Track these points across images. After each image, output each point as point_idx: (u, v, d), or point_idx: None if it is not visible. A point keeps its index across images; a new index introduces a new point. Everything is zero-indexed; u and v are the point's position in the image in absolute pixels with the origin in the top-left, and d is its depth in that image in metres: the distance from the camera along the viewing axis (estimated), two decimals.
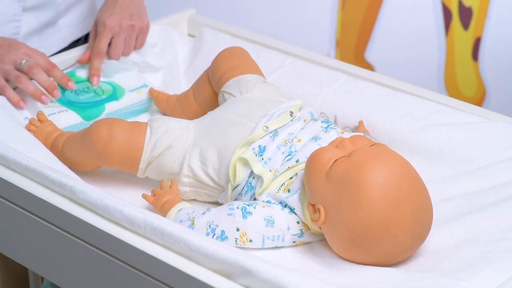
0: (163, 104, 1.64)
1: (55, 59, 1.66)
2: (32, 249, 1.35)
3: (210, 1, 2.02)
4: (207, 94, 1.57)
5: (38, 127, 1.52)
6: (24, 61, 1.55)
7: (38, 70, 1.55)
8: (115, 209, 1.20)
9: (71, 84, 1.59)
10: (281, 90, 1.52)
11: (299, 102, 1.42)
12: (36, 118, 1.54)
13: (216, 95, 1.55)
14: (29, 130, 1.51)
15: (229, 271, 1.11)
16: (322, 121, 1.39)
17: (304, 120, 1.39)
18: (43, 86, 1.56)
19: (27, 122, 1.54)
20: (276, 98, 1.45)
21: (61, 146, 1.48)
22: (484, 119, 1.45)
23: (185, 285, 1.13)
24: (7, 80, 1.56)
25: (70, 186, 1.25)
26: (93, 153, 1.42)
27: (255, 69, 1.54)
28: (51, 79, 1.58)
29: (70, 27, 1.79)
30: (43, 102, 1.56)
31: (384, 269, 1.20)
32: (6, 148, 1.35)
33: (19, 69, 1.55)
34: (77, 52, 1.71)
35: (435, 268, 1.18)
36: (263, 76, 1.54)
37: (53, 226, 1.27)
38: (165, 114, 1.64)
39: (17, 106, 1.55)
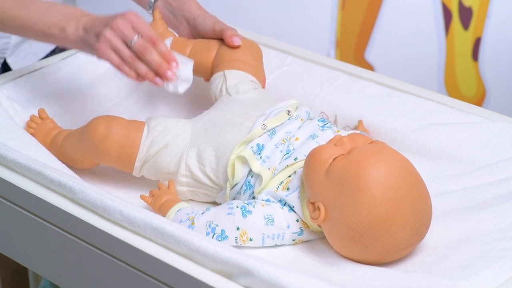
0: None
1: (44, 63, 1.65)
2: (32, 249, 1.35)
3: (210, 1, 2.01)
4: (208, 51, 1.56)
5: (39, 124, 1.52)
6: (135, 38, 1.37)
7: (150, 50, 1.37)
8: (115, 209, 1.20)
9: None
10: (280, 92, 1.53)
11: (294, 102, 1.42)
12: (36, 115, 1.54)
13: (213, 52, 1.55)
14: (29, 127, 1.51)
15: (229, 271, 1.11)
16: (318, 120, 1.39)
17: (301, 119, 1.39)
18: (154, 68, 1.37)
19: (28, 119, 1.53)
20: (271, 101, 1.46)
21: (59, 143, 1.47)
22: (484, 119, 1.45)
23: (185, 285, 1.13)
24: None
25: (69, 185, 1.25)
26: (90, 149, 1.41)
27: (259, 74, 1.54)
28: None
29: None
30: (157, 84, 1.37)
31: (383, 268, 1.20)
32: (5, 147, 1.35)
33: (129, 47, 1.37)
34: (66, 54, 1.68)
35: (435, 267, 1.18)
36: (264, 79, 1.54)
37: (52, 225, 1.27)
38: None
39: (137, 80, 1.38)
